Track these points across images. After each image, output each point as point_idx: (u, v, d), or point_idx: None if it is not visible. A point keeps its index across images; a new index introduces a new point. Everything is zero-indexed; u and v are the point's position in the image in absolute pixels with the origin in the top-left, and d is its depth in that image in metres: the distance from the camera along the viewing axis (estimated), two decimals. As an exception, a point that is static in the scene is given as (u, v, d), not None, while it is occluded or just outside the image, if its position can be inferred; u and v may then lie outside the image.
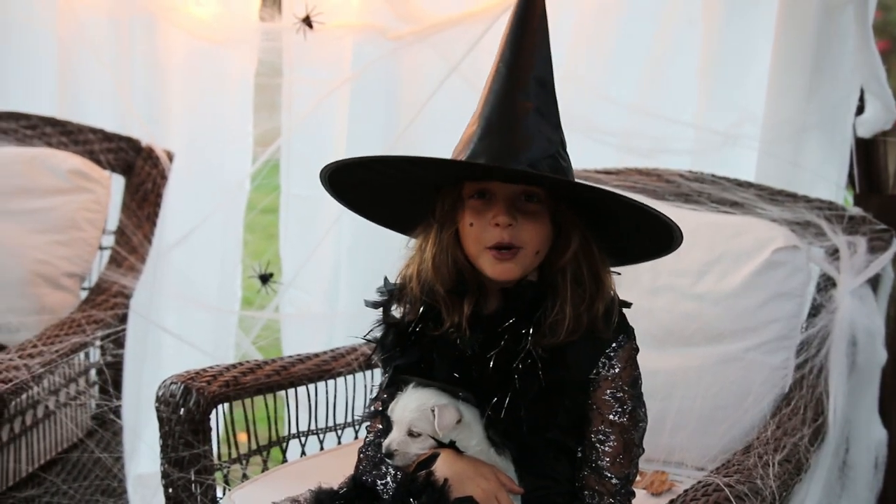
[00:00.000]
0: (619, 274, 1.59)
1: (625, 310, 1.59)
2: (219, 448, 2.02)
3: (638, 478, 2.01)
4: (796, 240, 2.12)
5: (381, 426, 1.60)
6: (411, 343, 1.56)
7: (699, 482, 1.64)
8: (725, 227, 2.18)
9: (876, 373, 2.13)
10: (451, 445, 1.52)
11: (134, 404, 2.80)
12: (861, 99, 2.37)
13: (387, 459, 1.55)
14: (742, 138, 2.42)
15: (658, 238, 1.55)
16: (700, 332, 2.06)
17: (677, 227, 1.50)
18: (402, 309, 1.59)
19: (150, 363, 2.92)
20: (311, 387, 2.17)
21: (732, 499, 1.55)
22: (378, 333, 1.60)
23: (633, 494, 1.56)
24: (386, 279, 1.62)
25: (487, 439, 1.52)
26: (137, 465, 2.92)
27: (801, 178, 2.39)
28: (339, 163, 1.54)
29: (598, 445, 1.53)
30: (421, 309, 1.56)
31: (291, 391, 2.14)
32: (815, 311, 2.11)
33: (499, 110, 1.49)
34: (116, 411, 2.56)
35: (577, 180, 1.51)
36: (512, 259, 1.50)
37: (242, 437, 2.12)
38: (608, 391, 1.53)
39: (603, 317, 1.52)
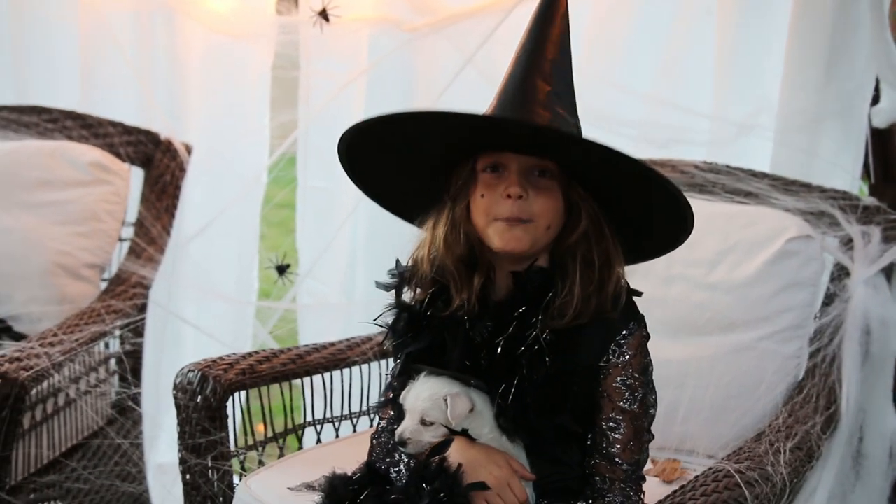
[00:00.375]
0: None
1: (636, 298, 1.60)
2: (235, 436, 2.05)
3: (650, 465, 2.03)
4: (810, 229, 2.12)
5: (393, 413, 1.62)
6: (423, 328, 1.57)
7: (710, 469, 1.65)
8: (739, 216, 2.19)
9: (890, 362, 2.12)
10: (464, 433, 1.54)
11: (153, 394, 2.83)
12: (876, 89, 2.37)
13: (399, 447, 1.56)
14: (757, 128, 2.42)
15: (670, 228, 1.55)
16: (713, 322, 2.07)
17: (690, 209, 1.49)
18: (413, 292, 1.60)
19: (169, 353, 2.95)
20: (327, 375, 2.20)
21: (743, 485, 1.56)
22: (389, 319, 1.61)
23: (643, 479, 1.57)
24: (398, 261, 1.63)
25: (498, 427, 1.54)
26: (158, 454, 2.96)
27: (817, 168, 2.39)
28: (354, 128, 1.52)
29: (609, 433, 1.54)
30: (431, 291, 1.57)
31: (307, 380, 2.17)
32: (828, 300, 2.11)
33: (515, 90, 1.51)
34: (136, 399, 2.59)
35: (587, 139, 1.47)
36: (522, 227, 1.50)
37: (260, 427, 2.15)
38: (619, 378, 1.54)
39: (612, 299, 1.53)
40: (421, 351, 1.57)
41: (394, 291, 1.62)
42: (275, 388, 2.10)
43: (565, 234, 1.54)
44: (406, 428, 1.54)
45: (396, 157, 1.59)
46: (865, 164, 2.42)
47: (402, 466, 1.58)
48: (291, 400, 2.16)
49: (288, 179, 2.89)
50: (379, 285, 1.63)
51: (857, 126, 2.38)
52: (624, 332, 1.54)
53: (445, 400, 1.51)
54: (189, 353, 2.97)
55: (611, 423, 1.54)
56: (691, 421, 1.99)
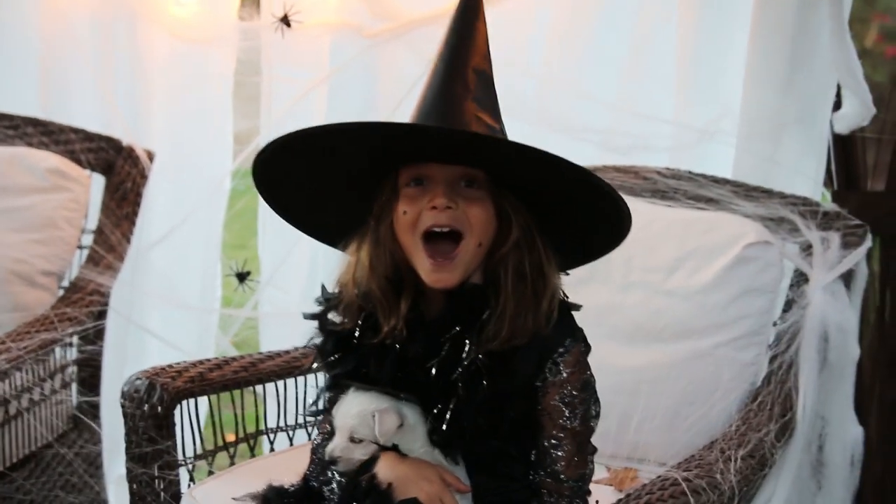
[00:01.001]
0: (568, 275, 1.55)
1: (576, 313, 1.55)
2: (183, 445, 2.01)
3: (605, 473, 2.00)
4: (769, 235, 2.10)
5: (329, 427, 1.58)
6: (350, 351, 1.52)
7: (658, 476, 1.62)
8: (698, 222, 2.16)
9: (849, 369, 2.10)
10: (394, 449, 1.50)
11: (115, 404, 2.78)
12: (838, 94, 2.35)
13: (330, 465, 1.52)
14: (719, 134, 2.40)
15: (606, 230, 1.50)
16: (670, 328, 2.04)
17: (625, 205, 1.44)
18: (341, 318, 1.55)
19: (133, 363, 2.90)
20: (281, 383, 2.16)
21: (689, 493, 1.53)
22: (318, 340, 1.57)
23: (589, 493, 1.53)
24: (323, 287, 1.58)
25: (431, 443, 1.49)
26: (119, 466, 2.91)
27: (779, 174, 2.37)
28: (268, 147, 1.45)
29: (552, 451, 1.49)
30: (359, 320, 1.52)
31: (262, 388, 2.14)
32: (787, 306, 2.09)
33: (434, 100, 1.45)
34: (91, 410, 2.55)
35: (516, 141, 1.41)
36: (450, 266, 1.44)
37: (231, 436, 2.10)
38: (556, 396, 1.48)
39: (547, 316, 1.47)
40: (348, 372, 1.53)
41: (318, 321, 1.57)
42: (236, 395, 2.06)
43: (497, 247, 1.48)
44: (336, 446, 1.50)
45: (317, 179, 1.53)
46: (828, 171, 2.40)
47: (334, 484, 1.54)
48: (243, 408, 2.12)
49: (249, 187, 2.85)
50: (305, 316, 1.58)
51: (818, 132, 2.37)
52: (560, 350, 1.49)
53: (373, 416, 1.47)
54: (152, 362, 2.91)
55: (552, 441, 1.49)
56: (645, 429, 1.96)
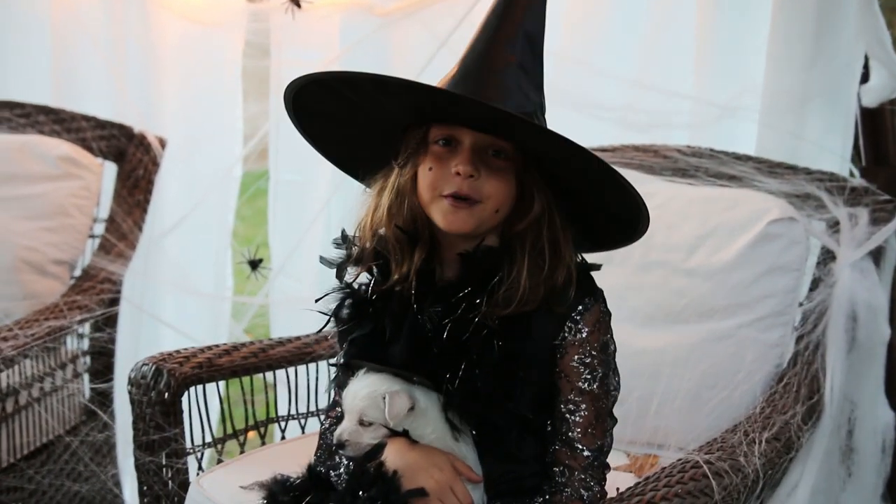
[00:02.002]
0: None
1: (595, 273, 1.50)
2: (203, 431, 1.96)
3: (626, 460, 1.93)
4: (793, 211, 2.02)
5: (340, 411, 1.53)
6: (367, 313, 1.47)
7: (679, 460, 1.55)
8: (719, 200, 2.09)
9: (880, 350, 2.01)
10: (405, 434, 1.44)
11: (127, 396, 2.75)
12: (865, 66, 2.26)
13: (339, 450, 1.47)
14: (741, 110, 2.32)
15: (624, 222, 1.46)
16: (691, 308, 1.97)
17: (645, 207, 1.41)
18: (356, 271, 1.51)
19: (146, 351, 2.87)
20: (292, 370, 2.11)
21: (711, 475, 1.46)
22: (332, 304, 1.52)
23: (607, 468, 1.47)
24: (343, 232, 1.53)
25: (446, 422, 1.44)
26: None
27: (804, 150, 2.28)
28: (302, 79, 1.43)
29: (569, 416, 1.44)
30: (372, 265, 1.48)
31: (272, 374, 2.09)
32: (814, 285, 2.01)
33: (479, 58, 1.41)
34: (104, 401, 2.52)
35: (551, 129, 1.39)
36: (467, 209, 1.41)
37: (251, 434, 2.06)
38: (576, 357, 1.44)
39: (561, 289, 1.43)
40: (365, 336, 1.47)
41: (336, 270, 1.52)
42: (246, 382, 2.02)
43: (515, 219, 1.45)
44: (344, 429, 1.45)
45: (346, 115, 1.49)
46: (856, 146, 2.31)
47: (342, 469, 1.49)
48: (253, 395, 2.07)
49: (261, 172, 2.82)
50: (323, 261, 1.54)
51: (845, 106, 2.28)
52: (579, 308, 1.44)
53: (384, 398, 1.42)
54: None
55: (570, 406, 1.44)
56: (665, 412, 1.89)
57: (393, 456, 1.43)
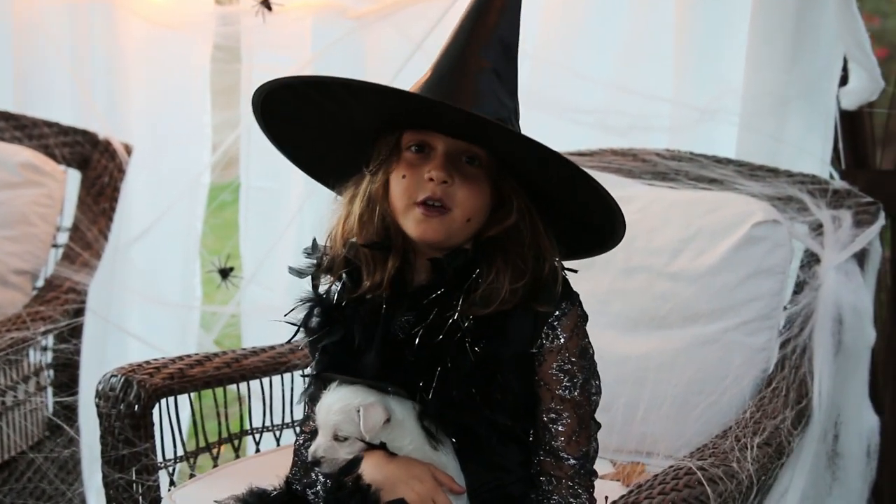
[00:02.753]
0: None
1: (570, 276, 1.46)
2: (174, 445, 1.89)
3: (611, 469, 1.89)
4: (777, 214, 1.99)
5: (314, 425, 1.47)
6: (336, 320, 1.43)
7: (671, 466, 1.51)
8: (701, 203, 2.07)
9: (865, 354, 1.99)
10: (382, 447, 1.39)
11: (93, 409, 2.67)
12: (844, 68, 2.25)
13: (314, 467, 1.42)
14: (721, 113, 2.30)
15: (600, 229, 1.43)
16: (675, 313, 1.94)
17: (620, 213, 1.38)
18: (328, 280, 1.46)
19: (112, 364, 2.78)
20: (267, 381, 2.05)
21: (705, 482, 1.42)
22: (301, 314, 1.47)
23: (594, 475, 1.43)
24: (314, 241, 1.49)
25: (423, 430, 1.39)
26: (100, 474, 2.79)
27: (784, 153, 2.27)
28: (271, 83, 1.39)
29: (551, 425, 1.40)
30: (342, 273, 1.44)
31: (245, 385, 2.02)
32: (798, 288, 1.99)
33: (452, 63, 1.38)
34: (68, 415, 2.43)
35: (524, 135, 1.36)
36: (438, 218, 1.38)
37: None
38: (554, 364, 1.40)
39: (543, 292, 1.39)
40: (336, 344, 1.42)
41: (311, 279, 1.47)
42: (219, 393, 1.95)
43: (490, 227, 1.41)
44: (319, 445, 1.39)
45: (316, 121, 1.46)
46: (835, 149, 2.30)
47: (318, 487, 1.43)
48: (226, 407, 2.00)
49: (225, 184, 2.75)
50: (292, 271, 1.49)
51: (825, 108, 2.27)
52: (556, 314, 1.40)
53: (358, 411, 1.36)
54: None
55: (552, 415, 1.40)
56: (652, 419, 1.85)
57: (371, 469, 1.38)
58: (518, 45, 1.43)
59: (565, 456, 1.40)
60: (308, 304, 1.47)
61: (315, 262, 1.48)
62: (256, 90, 1.41)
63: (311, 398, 1.47)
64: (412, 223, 1.39)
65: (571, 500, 1.39)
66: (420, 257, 1.43)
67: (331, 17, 2.55)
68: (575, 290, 1.44)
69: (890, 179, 2.30)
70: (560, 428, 1.40)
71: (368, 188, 1.43)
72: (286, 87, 1.39)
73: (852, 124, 2.29)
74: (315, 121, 1.46)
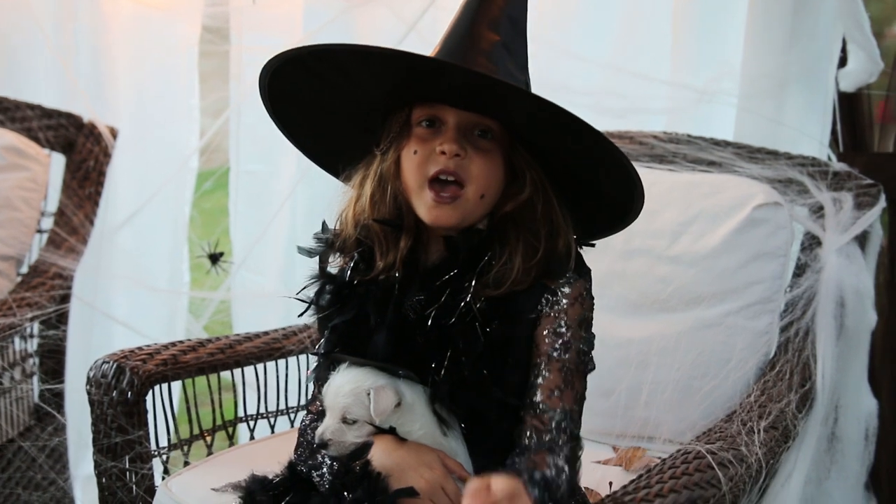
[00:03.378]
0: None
1: (586, 250, 1.45)
2: (168, 433, 1.85)
3: (612, 454, 1.86)
4: (778, 196, 1.97)
5: (321, 406, 1.43)
6: (348, 298, 1.40)
7: (679, 450, 1.49)
8: (702, 185, 2.04)
9: (865, 337, 1.98)
10: (391, 431, 1.36)
11: (80, 396, 2.62)
12: (843, 50, 2.23)
13: (321, 449, 1.38)
14: (719, 94, 2.27)
15: (617, 205, 1.41)
16: (676, 296, 1.91)
17: (640, 184, 1.36)
18: (338, 260, 1.43)
19: (98, 351, 2.73)
20: (261, 367, 2.01)
21: (716, 466, 1.40)
22: (311, 292, 1.43)
23: (578, 440, 1.38)
24: (324, 223, 1.47)
25: (434, 415, 1.36)
26: (87, 463, 2.75)
27: (782, 135, 2.24)
28: (276, 59, 1.36)
29: (534, 380, 1.37)
30: (355, 253, 1.41)
31: (240, 372, 1.98)
32: (799, 271, 1.96)
33: (462, 39, 1.36)
34: (56, 402, 2.38)
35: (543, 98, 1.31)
36: (451, 203, 1.36)
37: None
38: (549, 326, 1.38)
39: (555, 266, 1.37)
40: (347, 323, 1.39)
41: (317, 259, 1.44)
42: (213, 379, 1.91)
43: (504, 202, 1.39)
44: (327, 428, 1.36)
45: (324, 101, 1.42)
46: (833, 131, 2.28)
47: (325, 469, 1.39)
48: (220, 393, 1.97)
49: (211, 171, 2.70)
50: (301, 251, 1.45)
51: (823, 90, 2.25)
52: (561, 282, 1.38)
53: (368, 394, 1.33)
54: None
55: (535, 371, 1.37)
56: (655, 403, 1.82)
57: (380, 455, 1.35)
58: (526, 21, 1.41)
59: (544, 407, 1.36)
60: (319, 283, 1.43)
61: (325, 243, 1.44)
62: (264, 67, 1.38)
63: (319, 378, 1.43)
64: (424, 209, 1.37)
65: (548, 456, 1.34)
66: (433, 235, 1.41)
67: (322, -3, 2.50)
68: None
69: (889, 162, 2.28)
70: (541, 381, 1.36)
71: (380, 168, 1.40)
72: (291, 61, 1.35)
73: (850, 106, 2.27)
74: (321, 101, 1.42)
